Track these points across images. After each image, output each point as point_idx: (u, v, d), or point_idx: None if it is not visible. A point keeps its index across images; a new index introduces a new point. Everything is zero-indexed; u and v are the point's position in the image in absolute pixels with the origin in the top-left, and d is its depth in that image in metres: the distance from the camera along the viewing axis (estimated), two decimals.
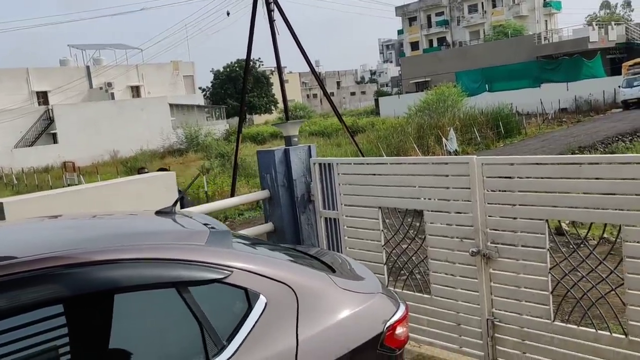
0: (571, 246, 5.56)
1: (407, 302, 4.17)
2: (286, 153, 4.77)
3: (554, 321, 3.41)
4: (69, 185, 26.00)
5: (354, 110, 64.98)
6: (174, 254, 1.89)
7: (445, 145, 21.76)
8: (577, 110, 34.90)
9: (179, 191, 4.30)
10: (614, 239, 4.03)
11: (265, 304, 1.94)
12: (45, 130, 42.42)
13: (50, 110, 42.86)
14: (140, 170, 8.94)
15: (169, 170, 8.84)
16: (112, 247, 1.85)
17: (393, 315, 2.23)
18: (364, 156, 18.58)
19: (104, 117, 42.34)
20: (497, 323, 3.68)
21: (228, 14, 16.88)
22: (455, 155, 21.53)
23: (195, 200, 16.57)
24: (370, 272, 2.55)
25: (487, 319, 3.70)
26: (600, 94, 35.52)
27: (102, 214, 2.57)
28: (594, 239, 6.74)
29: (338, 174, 4.55)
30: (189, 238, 2.05)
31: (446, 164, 3.85)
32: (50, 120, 42.45)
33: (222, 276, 1.90)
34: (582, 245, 4.21)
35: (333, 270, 2.34)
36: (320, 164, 4.76)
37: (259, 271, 1.98)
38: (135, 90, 52.34)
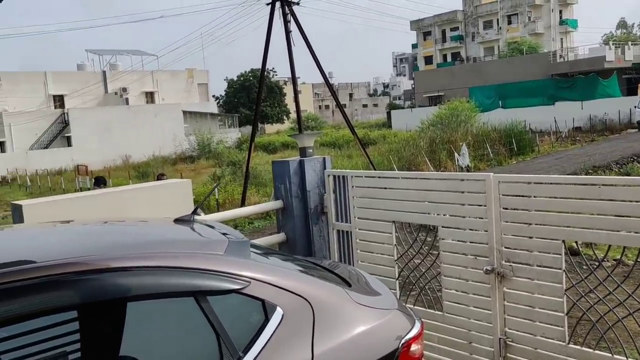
0: (585, 267, 5.49)
1: None
2: (301, 164, 4.78)
3: (568, 343, 3.36)
4: (80, 188, 26.20)
5: (366, 122, 65.04)
6: (193, 263, 1.89)
7: (457, 160, 21.67)
8: (591, 129, 34.64)
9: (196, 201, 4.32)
10: (631, 262, 3.98)
11: (282, 316, 1.93)
12: (60, 133, 42.90)
13: (65, 114, 43.37)
14: (159, 177, 8.95)
15: (167, 177, 8.83)
16: (130, 254, 1.85)
17: (409, 332, 2.22)
18: (375, 168, 18.55)
19: (117, 122, 42.75)
20: (510, 343, 3.63)
21: None
22: (467, 170, 21.44)
23: (206, 208, 16.62)
24: (386, 288, 2.53)
25: (500, 339, 3.66)
26: (615, 114, 35.25)
27: (121, 220, 2.58)
28: (608, 261, 6.66)
29: (352, 186, 4.55)
30: (208, 247, 2.05)
31: (462, 180, 3.83)
32: (66, 124, 42.94)
33: (240, 287, 1.90)
34: (597, 267, 4.16)
35: (349, 285, 2.33)
36: (334, 176, 4.76)
37: (277, 283, 1.97)
38: (150, 97, 52.83)
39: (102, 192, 4.00)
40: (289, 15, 15.69)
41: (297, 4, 16.16)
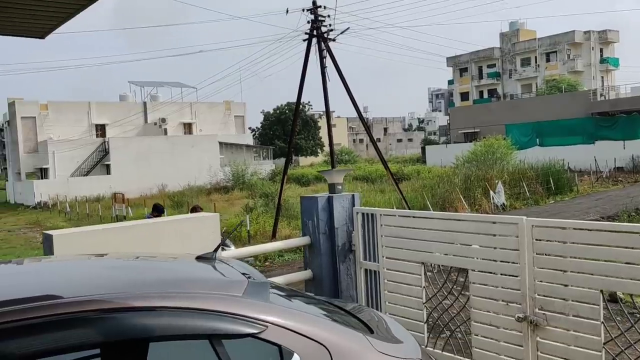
0: (626, 316, 5.21)
1: None
2: (329, 200, 4.74)
3: None
4: (116, 216, 26.76)
5: (400, 157, 64.87)
6: (210, 305, 1.85)
7: (493, 199, 21.25)
8: (634, 169, 33.59)
9: (222, 234, 4.32)
10: None
11: None
12: (100, 161, 44.24)
13: (106, 143, 44.79)
14: (194, 209, 8.91)
15: (201, 210, 8.82)
16: (149, 294, 1.84)
17: None
18: (407, 204, 18.37)
19: (155, 152, 43.83)
20: None
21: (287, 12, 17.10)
22: (503, 209, 20.98)
23: (237, 239, 16.69)
24: (409, 335, 2.43)
25: None
26: None
27: (146, 255, 2.59)
28: None
29: (381, 225, 4.47)
30: (226, 288, 2.02)
31: (494, 223, 3.72)
32: (106, 152, 44.29)
33: (257, 331, 1.85)
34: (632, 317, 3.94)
35: (371, 331, 2.24)
36: (363, 214, 4.70)
37: (295, 328, 1.91)
38: (188, 127, 54.11)
39: (133, 223, 4.05)
40: (324, 51, 15.99)
41: (333, 40, 16.48)
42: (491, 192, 21.57)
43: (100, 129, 49.16)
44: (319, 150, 64.30)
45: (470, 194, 21.90)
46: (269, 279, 4.96)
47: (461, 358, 3.94)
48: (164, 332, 1.76)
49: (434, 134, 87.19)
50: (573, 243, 3.27)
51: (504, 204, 21.13)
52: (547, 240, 3.40)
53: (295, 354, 1.87)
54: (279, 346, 1.87)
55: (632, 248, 3.01)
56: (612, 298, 7.66)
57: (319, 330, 1.98)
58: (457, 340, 4.10)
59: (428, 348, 4.13)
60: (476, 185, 22.75)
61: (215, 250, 2.45)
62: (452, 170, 28.02)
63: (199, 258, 2.41)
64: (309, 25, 16.44)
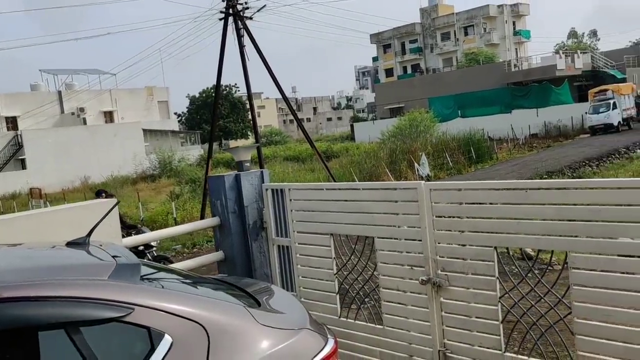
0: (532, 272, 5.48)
1: (360, 333, 4.05)
2: (237, 179, 4.62)
3: (505, 352, 3.29)
4: None
5: (330, 135, 65.27)
6: (65, 291, 1.71)
7: (418, 170, 21.85)
8: (547, 135, 35.60)
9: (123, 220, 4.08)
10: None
11: (171, 343, 1.77)
12: (14, 156, 41.47)
13: (19, 136, 41.98)
14: (99, 194, 8.51)
15: (110, 196, 8.44)
16: None
17: (320, 352, 2.08)
18: (335, 181, 18.52)
19: (75, 143, 41.60)
20: (449, 354, 3.54)
21: None
22: (428, 180, 21.63)
23: (163, 226, 16.22)
24: (298, 305, 2.39)
25: (439, 350, 3.57)
26: (568, 120, 36.36)
27: (12, 246, 2.38)
28: (558, 264, 6.65)
29: (290, 200, 4.42)
30: (89, 272, 1.88)
31: (395, 189, 3.75)
32: (19, 146, 41.55)
33: (121, 314, 1.73)
34: (542, 271, 4.12)
35: (258, 305, 2.18)
36: (272, 190, 4.62)
37: (165, 308, 1.81)
38: (109, 116, 51.74)
39: (18, 215, 3.75)
40: (241, 29, 15.63)
41: (250, 18, 16.12)
42: (416, 165, 22.16)
43: (11, 122, 46.03)
44: (248, 133, 63.44)
45: (396, 168, 22.43)
46: (180, 262, 4.80)
47: (373, 325, 3.98)
48: (11, 324, 1.60)
49: (363, 111, 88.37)
50: (467, 204, 3.35)
51: (428, 174, 21.77)
52: (445, 203, 3.47)
53: (166, 335, 1.77)
54: (148, 328, 1.76)
55: (519, 204, 3.12)
56: (522, 256, 8.08)
57: (193, 308, 1.88)
58: (368, 308, 4.14)
59: (341, 319, 4.15)
60: (401, 158, 23.32)
61: (88, 234, 2.29)
62: (378, 145, 28.54)
63: (70, 244, 2.24)
64: (224, 4, 15.98)
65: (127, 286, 1.84)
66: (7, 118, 45.98)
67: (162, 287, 1.99)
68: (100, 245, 2.22)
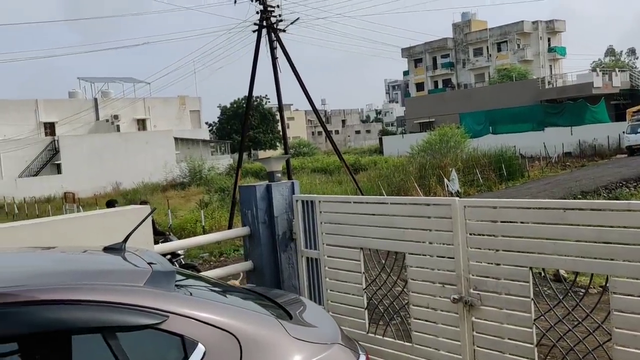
0: (569, 295, 5.33)
1: (388, 350, 3.98)
2: (268, 189, 4.64)
3: None
4: None
5: (359, 148, 65.20)
6: (105, 296, 1.73)
7: (447, 186, 21.60)
8: (581, 154, 34.78)
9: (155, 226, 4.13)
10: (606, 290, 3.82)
11: (204, 353, 1.76)
12: (50, 161, 42.65)
13: (56, 141, 43.20)
14: (109, 205, 8.73)
15: (145, 203, 8.63)
16: (33, 287, 1.69)
17: None
18: (363, 194, 18.44)
19: (108, 149, 42.57)
20: None
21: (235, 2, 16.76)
22: (457, 196, 21.34)
23: (192, 234, 16.38)
24: (330, 319, 2.37)
25: None
26: (604, 139, 35.48)
27: (47, 249, 2.42)
28: (595, 288, 6.43)
29: (320, 212, 4.40)
30: (126, 278, 1.89)
31: (428, 205, 3.70)
32: (56, 151, 42.73)
33: (157, 321, 1.74)
34: (577, 294, 4.01)
35: (290, 317, 2.16)
36: (303, 201, 4.61)
37: (199, 317, 1.81)
38: (142, 123, 52.80)
39: (53, 219, 3.83)
40: (275, 42, 15.79)
41: (284, 31, 16.29)
42: (445, 180, 21.90)
43: (49, 127, 47.39)
44: (277, 144, 63.89)
45: (425, 182, 22.20)
46: (209, 271, 4.82)
47: (402, 342, 3.92)
48: (47, 327, 1.62)
49: (392, 124, 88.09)
50: (503, 222, 3.28)
51: (458, 190, 21.49)
52: (479, 220, 3.40)
53: (199, 344, 1.77)
54: (182, 336, 1.76)
55: (556, 224, 3.04)
56: (557, 278, 7.87)
57: (227, 318, 1.88)
58: (397, 325, 4.07)
59: (369, 334, 4.10)
60: (431, 173, 23.08)
61: (125, 240, 2.32)
62: (407, 159, 28.34)
63: (107, 249, 2.27)
64: (258, 16, 16.20)
65: (162, 293, 1.84)
66: (45, 124, 47.37)
67: (192, 294, 2.00)
68: (136, 252, 2.24)
